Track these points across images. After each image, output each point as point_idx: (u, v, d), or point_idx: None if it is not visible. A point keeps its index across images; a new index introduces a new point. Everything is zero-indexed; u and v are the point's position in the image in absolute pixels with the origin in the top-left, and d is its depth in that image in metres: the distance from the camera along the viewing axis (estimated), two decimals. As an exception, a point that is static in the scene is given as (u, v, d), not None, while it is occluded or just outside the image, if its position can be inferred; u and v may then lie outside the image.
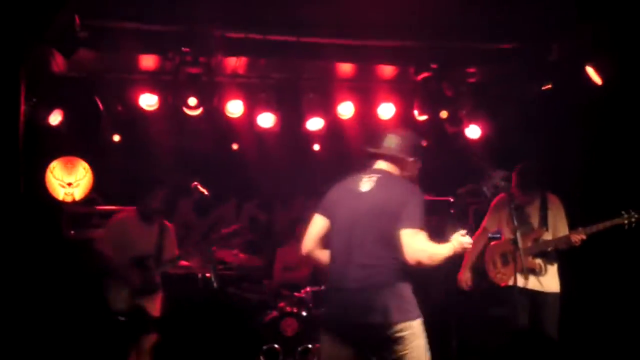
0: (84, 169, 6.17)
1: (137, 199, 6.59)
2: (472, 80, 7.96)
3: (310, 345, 7.66)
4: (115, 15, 6.27)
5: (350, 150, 9.03)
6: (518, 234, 5.74)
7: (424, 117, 7.86)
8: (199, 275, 7.77)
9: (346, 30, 6.66)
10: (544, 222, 6.61)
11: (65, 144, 7.84)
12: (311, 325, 7.79)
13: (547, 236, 6.54)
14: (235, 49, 7.06)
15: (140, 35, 6.62)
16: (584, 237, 6.26)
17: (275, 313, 7.85)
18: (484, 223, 6.92)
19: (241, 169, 9.36)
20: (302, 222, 9.39)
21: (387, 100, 8.04)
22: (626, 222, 6.13)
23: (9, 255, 5.57)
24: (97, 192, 6.37)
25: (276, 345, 7.65)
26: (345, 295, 4.41)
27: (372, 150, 4.76)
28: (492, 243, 6.93)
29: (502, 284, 6.72)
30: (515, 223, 6.36)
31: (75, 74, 7.38)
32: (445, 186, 8.09)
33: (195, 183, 7.43)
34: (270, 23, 6.57)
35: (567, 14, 6.46)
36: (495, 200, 6.87)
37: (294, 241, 9.35)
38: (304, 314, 7.84)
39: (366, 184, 4.57)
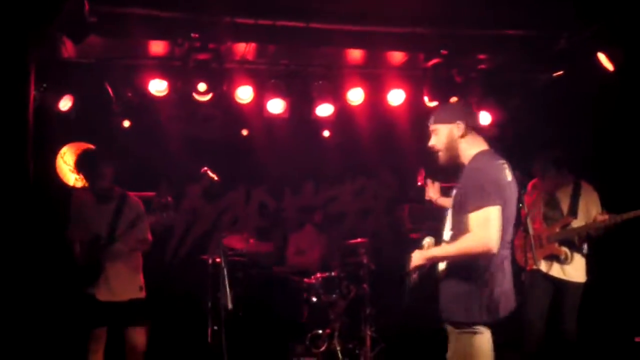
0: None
1: (146, 185, 6.55)
2: (482, 67, 7.92)
3: (320, 331, 7.70)
4: (125, 1, 6.26)
5: (359, 137, 9.07)
6: (528, 220, 5.73)
7: (434, 104, 7.84)
8: (209, 261, 7.78)
9: (356, 17, 6.63)
10: (573, 209, 6.60)
11: (75, 130, 7.86)
12: (321, 311, 7.83)
13: (576, 224, 6.54)
14: (244, 35, 7.04)
15: (150, 21, 6.59)
16: (611, 219, 6.21)
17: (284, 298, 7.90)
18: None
19: (251, 155, 9.38)
20: (315, 209, 9.54)
21: (397, 86, 8.02)
22: None
23: (19, 241, 5.61)
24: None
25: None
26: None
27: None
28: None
29: (528, 268, 6.57)
30: (543, 209, 6.63)
31: (85, 60, 7.37)
32: (455, 173, 8.06)
33: (205, 169, 7.43)
34: (280, 9, 6.54)
35: (578, 2, 6.43)
36: (530, 184, 6.91)
37: (307, 226, 9.40)
38: (314, 299, 7.87)
39: (508, 173, 4.30)
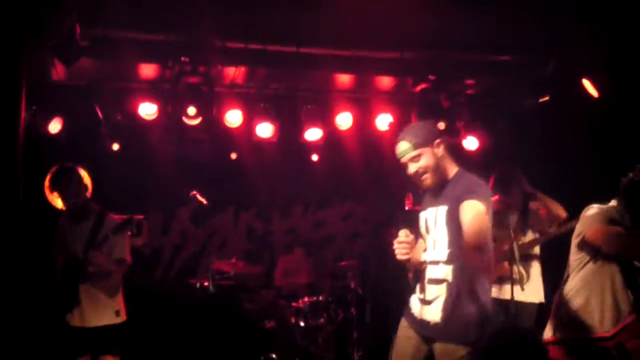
0: (86, 177, 6.12)
1: (136, 208, 6.43)
2: (470, 91, 8.00)
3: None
4: (116, 24, 6.29)
5: (348, 161, 9.11)
6: (514, 244, 5.68)
7: (421, 128, 7.89)
8: (197, 285, 7.78)
9: (345, 42, 6.70)
10: (523, 226, 6.40)
11: (64, 152, 7.86)
12: (309, 334, 7.82)
13: (526, 240, 6.35)
14: (234, 59, 7.10)
15: (140, 44, 6.64)
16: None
17: (273, 322, 7.87)
18: None
19: (239, 178, 9.39)
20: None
21: (385, 111, 8.09)
22: None
23: (9, 263, 5.57)
24: (96, 200, 6.33)
25: (274, 355, 7.67)
26: None
27: None
28: None
29: None
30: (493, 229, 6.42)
31: (75, 82, 7.40)
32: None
33: (194, 192, 7.45)
34: (270, 34, 6.61)
35: (565, 28, 6.52)
36: None
37: (296, 249, 9.41)
38: (302, 324, 7.85)
39: None
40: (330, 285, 8.80)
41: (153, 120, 7.65)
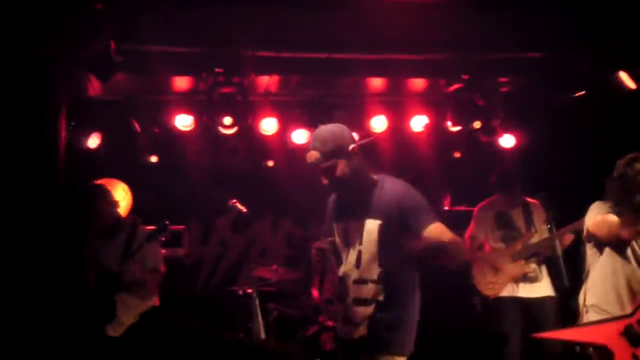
0: (123, 190, 6.18)
1: (175, 219, 6.43)
2: (504, 89, 7.96)
3: None
4: (149, 39, 6.36)
5: (384, 164, 9.10)
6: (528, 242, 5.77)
7: (457, 128, 7.87)
8: (240, 292, 7.83)
9: (376, 46, 6.71)
10: (529, 224, 6.49)
11: (103, 167, 7.97)
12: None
13: (536, 239, 6.43)
14: (267, 68, 7.15)
15: (174, 58, 6.73)
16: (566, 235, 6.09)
17: (315, 327, 7.88)
18: (471, 232, 6.81)
19: (276, 185, 9.42)
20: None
21: (419, 112, 8.07)
22: None
23: (52, 279, 5.66)
24: (137, 213, 6.41)
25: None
26: None
27: None
28: (478, 253, 6.76)
29: (493, 296, 6.54)
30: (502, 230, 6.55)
31: (111, 97, 7.52)
32: (481, 197, 8.08)
33: (234, 201, 7.49)
34: (301, 41, 6.63)
35: (598, 21, 6.46)
36: (477, 207, 6.90)
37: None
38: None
39: None
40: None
41: (189, 131, 7.73)
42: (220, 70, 7.00)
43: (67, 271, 5.83)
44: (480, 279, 6.68)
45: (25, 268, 5.57)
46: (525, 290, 6.40)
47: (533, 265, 6.39)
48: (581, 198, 6.74)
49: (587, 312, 4.67)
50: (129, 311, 5.75)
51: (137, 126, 7.69)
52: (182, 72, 7.25)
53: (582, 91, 7.52)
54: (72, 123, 7.20)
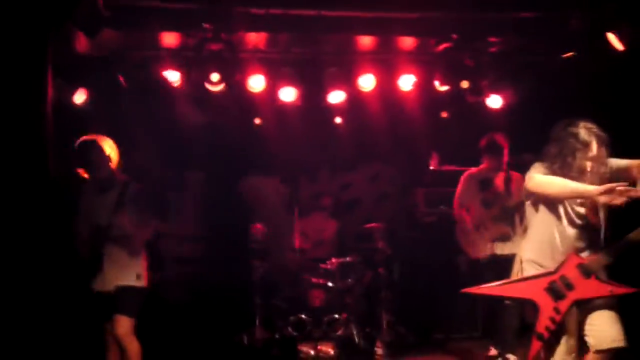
0: (110, 147, 6.18)
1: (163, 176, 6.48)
2: (493, 50, 7.93)
3: (337, 316, 7.78)
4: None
5: (372, 123, 9.11)
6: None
7: (445, 88, 7.87)
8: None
9: (366, 3, 6.69)
10: (508, 190, 6.99)
11: (90, 123, 7.92)
12: (337, 295, 7.91)
13: (511, 203, 6.94)
14: (256, 25, 7.10)
15: (162, 13, 6.68)
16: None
17: (302, 285, 7.97)
18: (458, 195, 7.44)
19: (264, 143, 9.42)
20: (322, 195, 9.55)
21: (407, 71, 8.05)
22: None
23: (38, 235, 5.66)
24: (125, 169, 6.41)
25: (304, 316, 7.77)
26: None
27: None
28: (464, 215, 7.33)
29: (475, 255, 7.17)
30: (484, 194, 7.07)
31: (98, 52, 7.44)
32: (468, 157, 8.11)
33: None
34: (291, -2, 6.61)
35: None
36: (466, 173, 7.43)
37: (314, 213, 9.41)
38: (331, 284, 7.95)
39: None
40: (358, 246, 8.85)
41: (177, 87, 7.69)
42: (209, 26, 6.94)
43: (57, 226, 5.86)
44: (464, 239, 7.32)
45: (13, 224, 5.56)
46: (499, 248, 7.01)
47: (508, 228, 6.98)
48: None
49: (522, 266, 4.97)
50: (116, 266, 5.81)
51: (124, 82, 7.64)
52: (170, 28, 7.18)
53: (571, 52, 7.51)
54: (58, 79, 7.14)
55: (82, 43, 7.01)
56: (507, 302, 6.27)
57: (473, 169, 7.42)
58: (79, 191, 6.03)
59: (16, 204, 5.60)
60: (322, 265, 8.13)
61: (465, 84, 7.80)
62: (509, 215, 6.98)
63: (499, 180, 7.08)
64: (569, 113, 7.50)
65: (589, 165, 4.69)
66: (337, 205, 9.48)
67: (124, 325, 5.70)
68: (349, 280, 8.10)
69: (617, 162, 4.75)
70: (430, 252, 8.76)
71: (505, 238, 7.01)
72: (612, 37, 6.78)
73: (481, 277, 6.66)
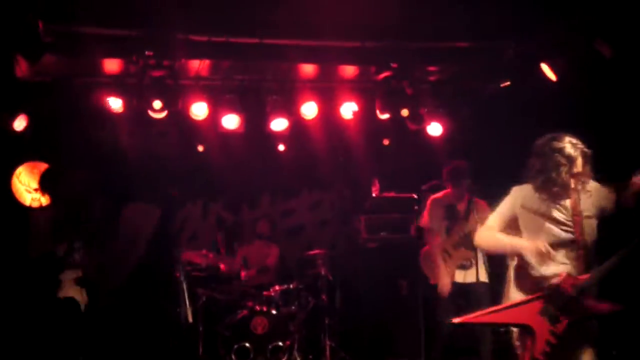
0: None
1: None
2: (432, 78, 8.11)
3: (280, 343, 7.76)
4: (79, 20, 6.30)
5: (314, 150, 9.19)
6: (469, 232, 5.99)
7: (385, 116, 7.99)
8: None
9: (307, 32, 6.77)
10: (469, 216, 6.81)
11: (30, 150, 7.84)
12: (280, 322, 7.90)
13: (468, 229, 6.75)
14: (198, 52, 7.15)
15: (104, 40, 6.67)
16: None
17: (245, 312, 7.93)
18: (426, 223, 7.24)
19: (207, 170, 9.41)
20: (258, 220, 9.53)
21: (349, 99, 8.16)
22: None
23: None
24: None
25: (247, 344, 7.74)
26: None
27: None
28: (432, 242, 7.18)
29: (433, 282, 7.02)
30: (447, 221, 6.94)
31: (39, 78, 7.39)
32: (409, 183, 8.23)
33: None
34: (233, 25, 6.65)
35: (523, 14, 6.64)
36: (431, 199, 7.24)
37: (255, 240, 9.36)
38: (274, 312, 7.93)
39: None
40: (300, 273, 8.87)
41: (119, 114, 7.66)
42: (151, 53, 6.95)
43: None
44: (426, 264, 7.21)
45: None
46: (461, 276, 6.86)
47: (470, 253, 6.78)
48: (503, 185, 6.98)
49: (510, 292, 4.78)
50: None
51: (65, 109, 7.59)
52: (112, 55, 7.18)
53: (507, 81, 7.71)
54: (-1, 104, 7.08)
55: (22, 68, 6.95)
56: (501, 329, 5.82)
57: (438, 194, 7.26)
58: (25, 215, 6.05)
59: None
60: (265, 293, 8.12)
61: (405, 112, 7.93)
62: (470, 241, 6.59)
63: (461, 207, 6.99)
64: (505, 141, 7.77)
65: (572, 181, 4.55)
66: (275, 231, 9.42)
67: None
68: (292, 307, 8.09)
69: (596, 186, 4.62)
70: (372, 277, 8.83)
71: (466, 266, 6.88)
72: (545, 68, 6.98)
73: (439, 304, 6.87)
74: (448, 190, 7.16)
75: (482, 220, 6.50)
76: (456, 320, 4.71)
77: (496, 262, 6.00)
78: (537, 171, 4.63)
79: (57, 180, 6.04)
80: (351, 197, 10.08)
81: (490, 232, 4.76)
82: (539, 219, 4.64)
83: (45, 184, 5.96)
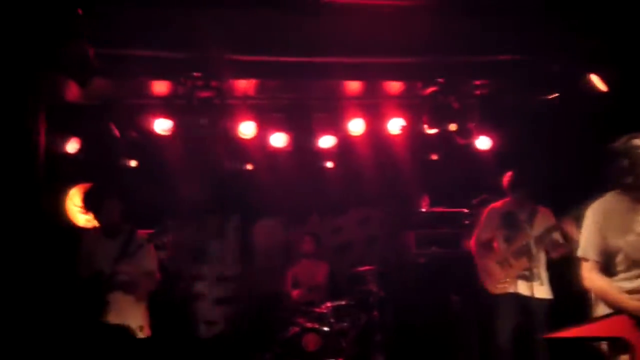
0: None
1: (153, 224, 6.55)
2: (478, 92, 8.06)
3: (332, 360, 7.75)
4: (128, 44, 6.41)
5: (362, 166, 9.18)
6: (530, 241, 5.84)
7: (433, 131, 7.97)
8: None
9: (352, 49, 6.78)
10: (530, 224, 6.64)
11: (83, 171, 7.97)
12: (333, 339, 7.88)
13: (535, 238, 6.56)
14: (245, 72, 7.21)
15: (152, 62, 6.77)
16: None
17: (296, 329, 7.94)
18: (478, 230, 7.10)
19: (256, 188, 9.45)
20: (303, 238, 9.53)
21: (396, 115, 8.15)
22: None
23: (31, 284, 5.67)
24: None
25: (300, 362, 7.74)
26: None
27: None
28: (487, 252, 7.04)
29: (497, 292, 6.80)
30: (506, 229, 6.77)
31: (90, 101, 7.52)
32: (460, 198, 8.18)
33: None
34: (279, 45, 6.69)
35: (571, 26, 6.56)
36: (489, 207, 7.11)
37: (302, 259, 9.35)
38: (326, 329, 7.91)
39: None
40: (351, 289, 8.84)
41: (168, 135, 7.75)
42: (199, 74, 7.04)
43: (50, 274, 5.90)
44: (487, 277, 6.94)
45: (6, 272, 5.58)
46: (526, 289, 6.53)
47: (531, 264, 6.51)
48: (554, 198, 6.90)
49: (595, 305, 4.57)
50: (122, 312, 5.92)
51: (116, 130, 7.71)
52: (160, 77, 7.29)
53: (555, 94, 7.62)
54: (51, 128, 7.21)
55: (73, 92, 7.09)
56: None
57: (496, 203, 7.11)
58: (78, 237, 6.13)
59: (10, 252, 5.62)
60: (316, 309, 8.11)
61: (453, 127, 7.89)
62: (531, 251, 6.48)
63: (523, 215, 6.78)
64: (555, 153, 7.67)
65: None
66: (320, 247, 9.36)
67: None
68: (344, 324, 8.07)
69: None
70: (422, 293, 8.77)
71: (528, 277, 6.52)
72: (594, 79, 6.88)
73: (496, 314, 6.75)
74: (508, 199, 7.02)
75: (550, 230, 6.50)
76: (550, 336, 4.58)
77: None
78: (626, 169, 4.41)
79: (101, 201, 6.10)
80: (400, 213, 10.04)
81: (598, 279, 4.48)
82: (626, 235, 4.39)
83: (88, 204, 6.07)
